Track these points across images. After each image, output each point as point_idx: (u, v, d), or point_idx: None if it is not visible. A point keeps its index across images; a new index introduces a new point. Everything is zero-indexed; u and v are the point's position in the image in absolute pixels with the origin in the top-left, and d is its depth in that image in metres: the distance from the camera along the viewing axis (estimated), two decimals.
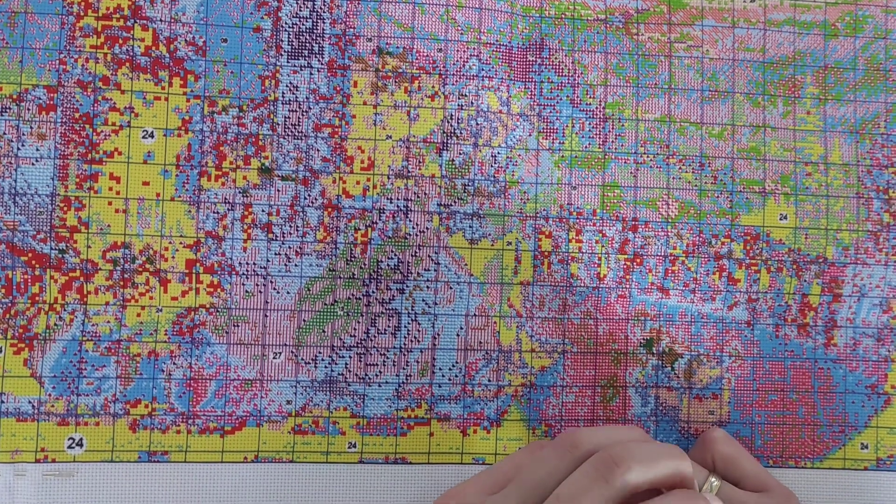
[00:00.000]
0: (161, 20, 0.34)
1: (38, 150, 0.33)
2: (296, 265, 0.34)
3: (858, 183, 0.36)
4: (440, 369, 0.34)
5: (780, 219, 0.36)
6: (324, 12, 0.35)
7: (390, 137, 0.35)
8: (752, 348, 0.36)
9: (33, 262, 0.33)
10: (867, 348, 0.36)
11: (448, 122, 0.35)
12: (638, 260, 0.35)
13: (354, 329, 0.34)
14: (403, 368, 0.34)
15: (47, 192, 0.33)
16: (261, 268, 0.34)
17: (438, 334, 0.35)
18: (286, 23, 0.35)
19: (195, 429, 0.34)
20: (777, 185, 0.36)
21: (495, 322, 0.35)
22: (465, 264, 0.35)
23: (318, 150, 0.34)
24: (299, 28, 0.35)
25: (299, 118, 0.34)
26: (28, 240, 0.33)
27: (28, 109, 0.33)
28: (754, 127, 0.36)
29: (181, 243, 0.34)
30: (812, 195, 0.36)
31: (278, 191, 0.34)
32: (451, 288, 0.35)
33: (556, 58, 0.35)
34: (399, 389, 0.34)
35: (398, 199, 0.35)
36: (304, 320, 0.34)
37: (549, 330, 0.35)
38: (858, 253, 0.36)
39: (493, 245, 0.35)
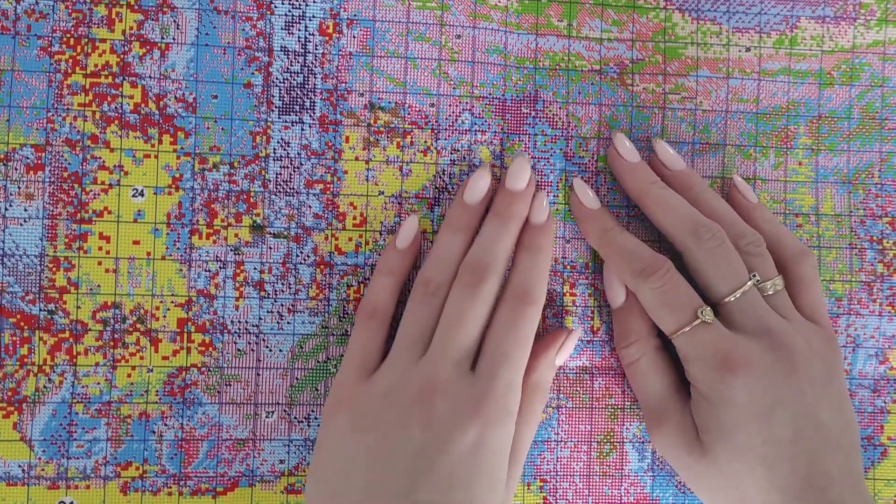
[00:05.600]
0: (150, 77, 0.34)
1: (26, 210, 0.33)
2: (288, 322, 0.34)
3: (851, 233, 0.36)
4: None
5: None
6: (315, 67, 0.34)
7: (382, 193, 0.35)
8: None
9: (22, 323, 0.33)
10: (863, 400, 0.36)
11: (440, 177, 0.35)
12: None
13: None
14: None
15: (36, 252, 0.33)
16: (253, 326, 0.34)
17: None
18: (277, 78, 0.34)
19: (187, 490, 0.33)
20: None
21: None
22: None
23: (309, 207, 0.34)
24: (290, 83, 0.34)
25: (291, 174, 0.34)
26: (16, 301, 0.33)
27: (16, 169, 0.33)
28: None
29: (172, 302, 0.34)
30: None
31: (270, 248, 0.34)
32: None
33: (550, 110, 0.35)
34: None
35: None
36: (297, 378, 0.34)
37: None
38: (852, 303, 0.36)
39: None
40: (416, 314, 0.32)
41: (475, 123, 0.35)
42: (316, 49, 0.34)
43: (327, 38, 0.34)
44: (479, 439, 0.29)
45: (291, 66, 0.34)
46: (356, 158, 0.34)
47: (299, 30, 0.34)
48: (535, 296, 0.32)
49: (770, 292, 0.32)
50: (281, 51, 0.34)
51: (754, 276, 0.31)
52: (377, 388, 0.30)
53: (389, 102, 0.35)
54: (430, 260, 0.33)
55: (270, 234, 0.34)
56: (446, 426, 0.29)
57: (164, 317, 0.33)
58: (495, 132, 0.35)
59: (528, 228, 0.33)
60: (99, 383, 0.33)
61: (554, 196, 0.35)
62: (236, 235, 0.34)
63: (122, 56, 0.33)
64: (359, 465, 0.29)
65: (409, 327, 0.31)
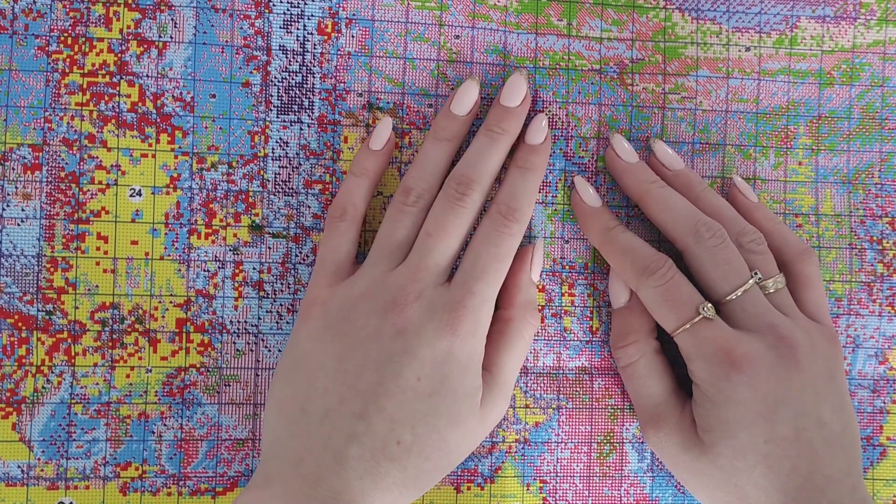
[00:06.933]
0: (148, 76, 0.34)
1: (23, 210, 0.33)
2: (287, 322, 0.34)
3: (851, 234, 0.36)
4: None
5: None
6: (314, 66, 0.34)
7: (381, 193, 0.34)
8: None
9: (20, 323, 0.33)
10: (862, 400, 0.36)
11: None
12: None
13: None
14: None
15: (33, 252, 0.33)
16: (252, 326, 0.34)
17: None
18: (275, 77, 0.34)
19: (186, 491, 0.33)
20: None
21: None
22: None
23: (308, 207, 0.34)
24: (289, 83, 0.34)
25: (290, 174, 0.34)
26: (14, 301, 0.33)
27: (13, 169, 0.33)
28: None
29: (171, 302, 0.33)
30: None
31: (269, 248, 0.34)
32: None
33: (549, 110, 0.35)
34: None
35: None
36: None
37: (544, 385, 0.35)
38: (851, 304, 0.36)
39: None
40: (395, 222, 0.32)
41: (474, 124, 0.35)
42: (314, 48, 0.34)
43: (326, 37, 0.34)
44: (449, 350, 0.29)
45: (290, 65, 0.34)
46: None
47: (298, 29, 0.34)
48: (520, 213, 0.32)
49: (771, 290, 0.32)
50: (279, 50, 0.34)
51: (756, 274, 0.31)
52: (353, 292, 0.30)
53: (388, 103, 0.34)
54: (412, 169, 0.33)
55: (269, 234, 0.34)
56: (417, 334, 0.29)
57: (163, 317, 0.33)
58: None
59: (523, 147, 0.33)
60: (98, 384, 0.33)
61: (553, 196, 0.35)
62: (235, 235, 0.34)
63: (119, 55, 0.33)
64: (327, 370, 0.29)
65: (388, 234, 0.32)
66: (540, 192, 0.35)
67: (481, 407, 0.30)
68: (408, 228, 0.32)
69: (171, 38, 0.34)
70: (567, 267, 0.35)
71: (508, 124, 0.32)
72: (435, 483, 0.30)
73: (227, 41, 0.34)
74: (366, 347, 0.29)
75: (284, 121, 0.34)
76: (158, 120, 0.34)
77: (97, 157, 0.33)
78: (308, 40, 0.34)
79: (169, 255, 0.33)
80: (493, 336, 0.31)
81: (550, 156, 0.35)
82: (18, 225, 0.33)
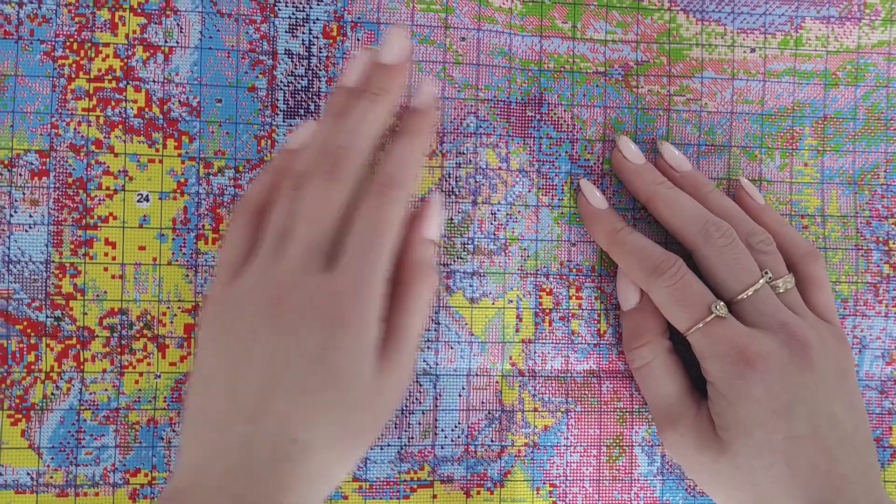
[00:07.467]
0: (154, 81, 0.34)
1: (31, 216, 0.33)
2: None
3: (857, 234, 0.36)
4: (442, 430, 0.34)
5: None
6: (319, 70, 0.34)
7: None
8: None
9: (28, 330, 0.33)
10: (870, 401, 0.36)
11: (446, 180, 0.35)
12: None
13: None
14: (405, 430, 0.34)
15: (41, 259, 0.33)
16: None
17: (440, 395, 0.34)
18: (281, 81, 0.34)
19: None
20: None
21: (497, 381, 0.35)
22: (466, 324, 0.34)
23: None
24: (295, 87, 0.34)
25: None
26: (23, 308, 0.33)
27: (20, 175, 0.33)
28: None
29: (179, 308, 0.33)
30: None
31: None
32: (451, 348, 0.34)
33: (555, 113, 0.35)
34: (401, 451, 0.34)
35: None
36: None
37: (552, 389, 0.35)
38: (858, 305, 0.36)
39: (493, 303, 0.35)
40: (280, 208, 0.29)
41: (480, 126, 0.35)
42: (320, 52, 0.34)
43: (331, 41, 0.34)
44: (331, 341, 0.27)
45: (296, 69, 0.34)
46: None
47: (303, 33, 0.34)
48: (400, 179, 0.29)
49: (781, 290, 0.32)
50: (285, 54, 0.34)
51: (766, 273, 0.32)
52: (239, 289, 0.28)
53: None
54: (299, 153, 0.30)
55: None
56: (294, 328, 0.27)
57: (171, 322, 0.33)
58: (500, 135, 0.35)
59: (406, 113, 0.31)
60: (107, 390, 0.33)
61: (560, 199, 0.35)
62: None
63: (125, 60, 0.33)
64: (217, 379, 0.27)
65: (273, 223, 0.29)
66: (546, 194, 0.35)
67: (384, 376, 0.28)
68: (290, 214, 0.29)
69: (178, 42, 0.34)
70: (574, 270, 0.35)
71: (386, 83, 0.29)
72: (352, 466, 0.28)
73: (232, 46, 0.34)
74: (250, 347, 0.27)
75: (291, 125, 0.34)
76: (165, 125, 0.34)
77: (104, 163, 0.33)
78: (314, 44, 0.34)
79: (177, 261, 0.33)
80: (392, 300, 0.29)
81: (556, 158, 0.35)
82: (26, 231, 0.33)
